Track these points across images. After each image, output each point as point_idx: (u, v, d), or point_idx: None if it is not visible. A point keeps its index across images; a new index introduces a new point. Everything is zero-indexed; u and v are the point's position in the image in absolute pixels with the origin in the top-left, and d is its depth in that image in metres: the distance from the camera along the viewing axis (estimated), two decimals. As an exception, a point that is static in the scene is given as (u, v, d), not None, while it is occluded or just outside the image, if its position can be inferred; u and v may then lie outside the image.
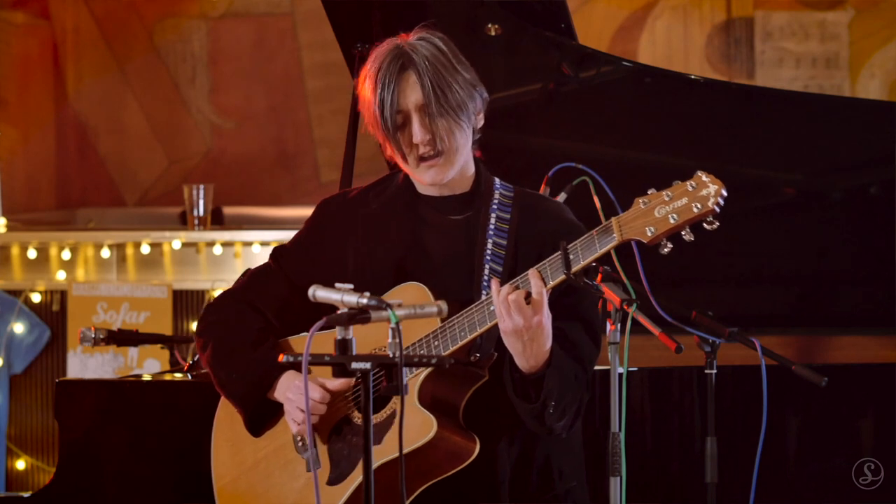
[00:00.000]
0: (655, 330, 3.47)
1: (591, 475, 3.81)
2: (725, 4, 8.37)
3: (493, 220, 3.41)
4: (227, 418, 3.56)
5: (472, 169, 3.47)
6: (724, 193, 3.07)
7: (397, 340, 2.83)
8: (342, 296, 2.90)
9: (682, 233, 3.12)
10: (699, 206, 3.08)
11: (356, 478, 3.33)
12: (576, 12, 7.30)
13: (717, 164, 4.84)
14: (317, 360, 2.87)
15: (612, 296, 3.23)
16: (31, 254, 6.88)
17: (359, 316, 2.86)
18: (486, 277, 3.36)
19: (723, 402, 4.09)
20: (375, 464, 3.26)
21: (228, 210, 7.80)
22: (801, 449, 4.31)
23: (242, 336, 3.48)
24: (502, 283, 3.27)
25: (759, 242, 4.84)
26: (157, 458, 4.11)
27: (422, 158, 3.38)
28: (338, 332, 2.87)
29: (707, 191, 3.08)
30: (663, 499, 4.20)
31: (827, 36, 8.31)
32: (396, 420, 3.29)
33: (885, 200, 4.78)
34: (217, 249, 6.76)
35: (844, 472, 4.22)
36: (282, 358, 2.95)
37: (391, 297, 3.31)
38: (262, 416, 3.48)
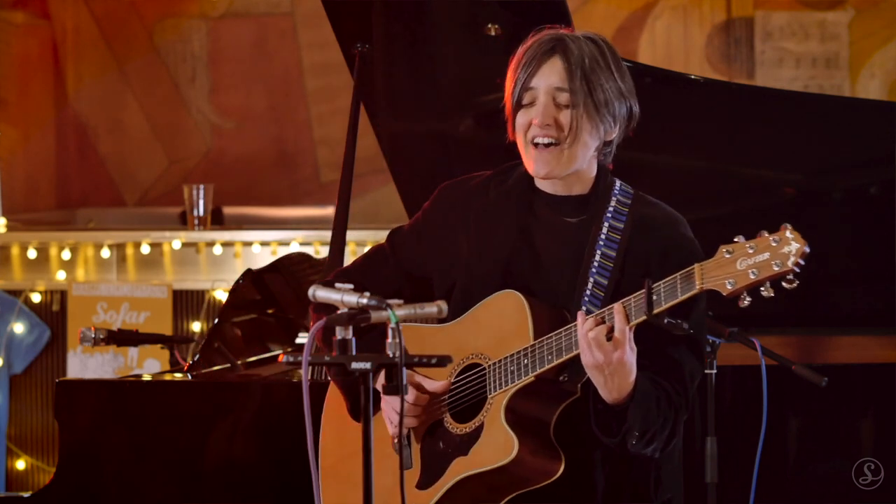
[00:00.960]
0: (655, 330, 3.46)
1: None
2: (725, 4, 8.37)
3: (605, 230, 3.31)
4: (336, 398, 3.50)
5: (593, 172, 3.37)
6: (807, 251, 2.98)
7: (397, 340, 2.82)
8: (342, 296, 2.90)
9: (762, 289, 3.04)
10: (779, 263, 3.00)
11: (445, 484, 3.28)
12: (576, 12, 7.30)
13: (717, 164, 4.85)
14: (317, 360, 2.87)
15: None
16: (31, 254, 6.88)
17: (359, 316, 2.85)
18: (588, 291, 3.28)
19: (723, 402, 4.09)
20: (459, 476, 3.25)
21: (228, 210, 7.80)
22: (801, 449, 4.31)
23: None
24: (605, 298, 3.22)
25: (759, 242, 4.84)
26: (157, 458, 4.11)
27: (534, 144, 3.28)
28: (337, 332, 2.86)
29: (788, 248, 3.01)
30: (663, 499, 4.20)
31: (827, 36, 8.32)
32: (483, 433, 3.27)
33: (885, 200, 4.78)
34: (217, 249, 6.76)
35: (844, 472, 4.22)
36: (282, 358, 2.94)
37: (490, 303, 3.27)
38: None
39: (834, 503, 4.23)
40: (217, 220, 7.44)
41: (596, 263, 3.29)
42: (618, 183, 3.40)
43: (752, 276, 3.03)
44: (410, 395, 3.30)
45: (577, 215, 3.36)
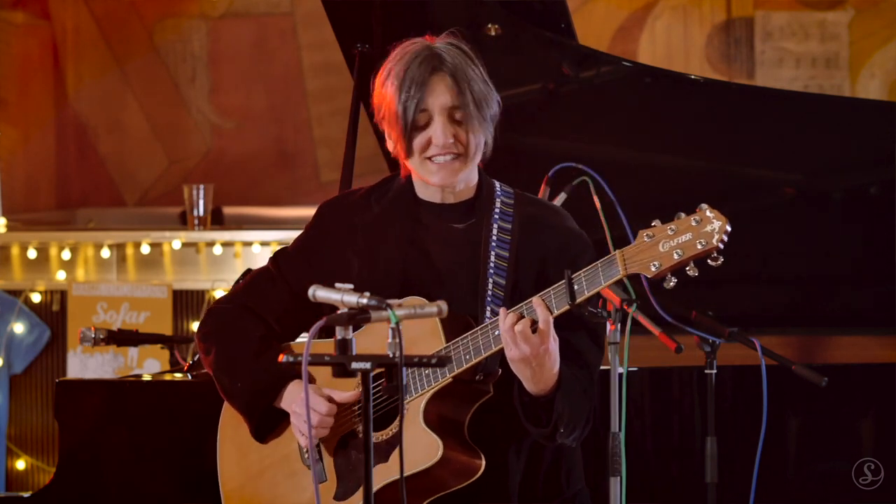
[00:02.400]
0: (655, 330, 3.47)
1: (592, 475, 3.82)
2: (725, 4, 8.37)
3: (494, 231, 3.37)
4: (232, 420, 3.54)
5: (475, 178, 3.43)
6: (728, 229, 3.05)
7: (397, 340, 2.82)
8: (342, 296, 2.90)
9: (686, 268, 3.09)
10: (703, 242, 3.06)
11: (361, 495, 3.30)
12: (576, 12, 7.30)
13: (717, 164, 4.85)
14: (316, 360, 2.87)
15: (611, 296, 3.23)
16: (31, 254, 6.88)
17: (359, 316, 2.85)
18: (489, 291, 3.33)
19: (723, 402, 4.10)
20: (380, 483, 3.26)
21: (228, 210, 7.80)
22: (801, 449, 4.31)
23: (245, 344, 3.45)
24: (504, 298, 3.27)
25: (759, 242, 4.84)
26: (158, 458, 4.11)
27: (431, 160, 3.33)
28: (337, 332, 2.86)
29: (711, 227, 3.06)
30: (663, 499, 4.20)
31: (827, 36, 8.32)
32: (398, 422, 3.28)
33: (885, 200, 4.78)
34: (217, 249, 6.76)
35: (844, 472, 4.22)
36: (282, 358, 2.94)
37: None
38: (268, 423, 3.45)
39: (834, 503, 4.23)
40: (217, 220, 7.44)
41: (492, 264, 3.34)
42: (497, 184, 3.45)
43: (676, 257, 3.08)
44: (322, 408, 3.31)
45: (465, 220, 3.41)
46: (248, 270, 4.85)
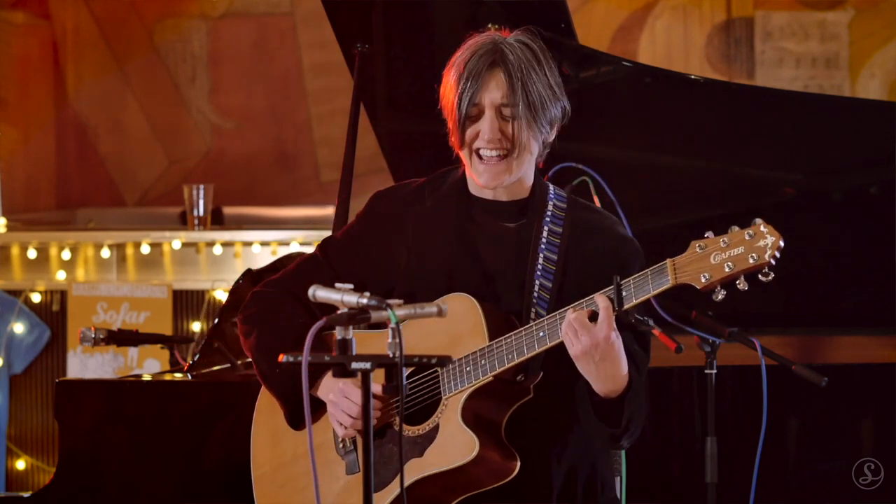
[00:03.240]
0: (655, 330, 3.47)
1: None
2: (725, 4, 8.37)
3: (545, 233, 3.36)
4: (268, 407, 3.52)
5: (531, 179, 3.41)
6: (782, 245, 3.05)
7: (397, 340, 2.82)
8: (342, 296, 2.90)
9: (737, 282, 3.08)
10: (756, 257, 3.06)
11: (396, 487, 3.29)
12: (576, 12, 7.30)
13: (717, 164, 4.85)
14: (317, 360, 2.87)
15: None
16: (31, 254, 6.88)
17: (359, 316, 2.85)
18: (535, 293, 3.32)
19: (723, 402, 4.10)
20: (414, 477, 3.25)
21: (228, 210, 7.79)
22: (801, 449, 4.31)
23: (286, 329, 3.43)
24: (550, 300, 3.26)
25: (759, 242, 4.83)
26: (158, 458, 4.11)
27: (480, 156, 3.33)
28: (337, 332, 2.86)
29: (764, 242, 3.07)
30: (663, 499, 4.20)
31: (827, 36, 8.32)
32: (439, 434, 3.28)
33: (885, 200, 4.78)
34: (217, 249, 6.76)
35: (844, 472, 4.22)
36: (282, 358, 2.94)
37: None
38: (303, 411, 3.44)
39: (834, 503, 4.23)
40: (217, 220, 7.44)
41: (540, 266, 3.34)
42: (551, 187, 3.45)
43: (727, 270, 3.07)
44: (361, 399, 3.31)
45: (516, 220, 3.40)
46: (249, 270, 4.86)
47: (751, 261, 3.06)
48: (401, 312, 2.84)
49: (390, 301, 2.85)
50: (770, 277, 3.09)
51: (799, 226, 4.92)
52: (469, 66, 3.32)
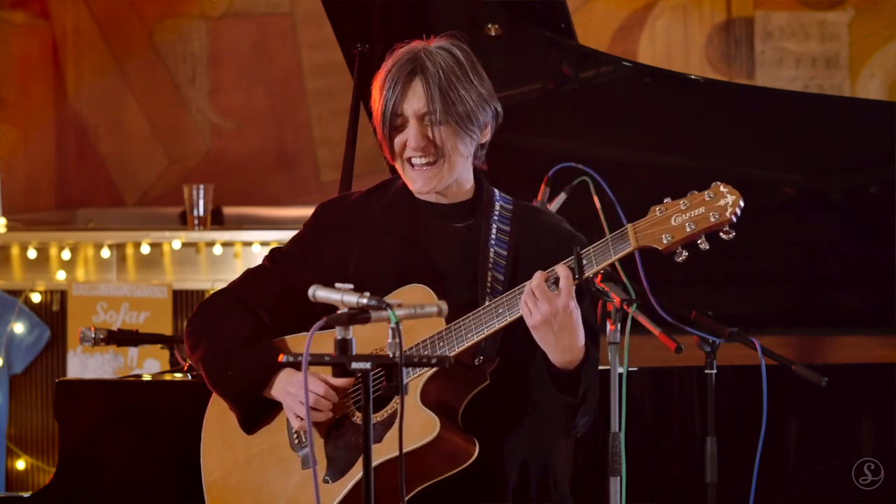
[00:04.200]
0: (655, 330, 3.47)
1: (591, 475, 3.82)
2: (725, 4, 8.37)
3: (493, 231, 3.42)
4: (217, 415, 3.56)
5: (471, 180, 3.47)
6: (742, 204, 3.10)
7: (397, 340, 2.83)
8: (342, 296, 2.90)
9: (698, 241, 3.12)
10: (717, 215, 3.11)
11: (353, 476, 3.32)
12: (576, 12, 7.30)
13: (717, 164, 4.85)
14: (317, 359, 2.87)
15: (612, 296, 3.24)
16: (31, 254, 6.88)
17: (359, 316, 2.86)
18: (489, 285, 3.36)
19: (723, 402, 4.09)
20: (374, 462, 3.25)
21: (228, 210, 7.80)
22: (801, 449, 4.31)
23: (237, 334, 3.48)
24: (502, 293, 3.28)
25: (759, 242, 4.84)
26: (158, 458, 4.11)
27: (411, 164, 3.39)
28: (337, 332, 2.87)
29: (725, 201, 3.12)
30: (663, 499, 4.20)
31: (827, 36, 8.32)
32: (397, 419, 3.29)
33: (885, 200, 4.78)
34: (217, 249, 6.76)
35: (844, 472, 4.22)
36: (282, 358, 2.95)
37: (395, 297, 3.30)
38: (257, 413, 3.48)
39: (834, 503, 4.23)
40: (217, 220, 7.44)
41: (491, 261, 3.38)
42: (496, 191, 3.50)
43: (688, 230, 3.12)
44: (319, 389, 3.34)
45: (464, 220, 3.45)
46: (248, 270, 4.86)
47: (712, 219, 3.11)
48: (401, 312, 2.84)
49: (390, 301, 2.85)
50: (731, 236, 3.13)
51: (799, 226, 4.93)
52: (389, 77, 3.38)
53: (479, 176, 3.49)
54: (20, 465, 6.84)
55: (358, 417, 3.36)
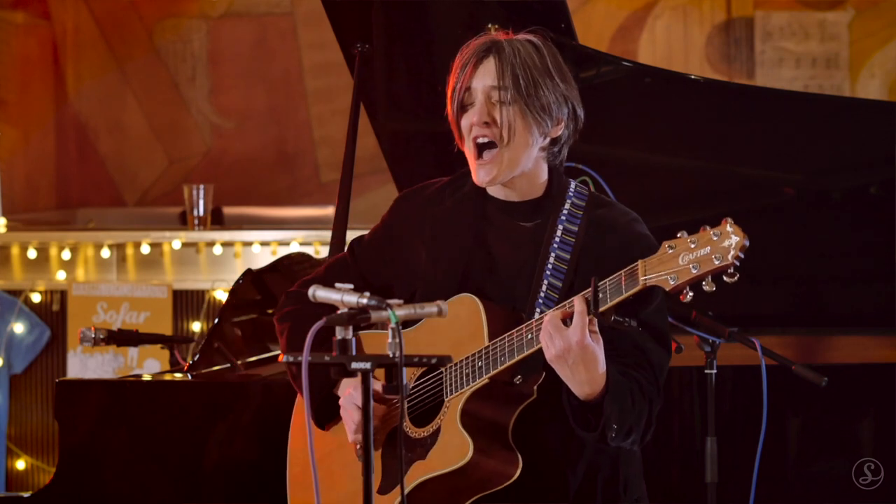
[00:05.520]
0: (655, 330, 3.46)
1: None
2: (725, 4, 8.37)
3: (559, 232, 3.32)
4: (303, 406, 3.53)
5: (543, 176, 3.38)
6: (747, 244, 2.99)
7: (397, 340, 2.82)
8: (342, 296, 2.90)
9: (703, 283, 3.04)
10: (719, 257, 3.00)
11: (405, 488, 3.29)
12: (576, 12, 7.30)
13: (717, 164, 4.85)
14: (317, 360, 2.87)
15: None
16: (31, 254, 6.88)
17: (359, 316, 2.85)
18: (542, 293, 3.28)
19: (723, 402, 4.10)
20: (419, 479, 3.25)
21: (228, 210, 7.80)
22: (801, 449, 4.31)
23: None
24: (559, 301, 3.22)
25: (759, 242, 4.83)
26: (158, 458, 4.11)
27: (477, 147, 3.30)
28: (337, 332, 2.86)
29: (728, 242, 3.02)
30: (663, 499, 4.20)
31: (827, 36, 8.32)
32: (440, 436, 3.28)
33: (885, 200, 4.78)
34: (217, 249, 6.76)
35: (844, 472, 4.22)
36: (281, 358, 2.94)
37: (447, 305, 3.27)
38: (328, 410, 3.44)
39: (834, 503, 4.23)
40: (217, 220, 7.44)
41: (550, 266, 3.30)
42: (573, 184, 3.41)
43: (693, 272, 3.03)
44: (362, 401, 3.30)
45: (532, 219, 3.37)
46: (249, 270, 4.86)
47: (715, 262, 3.01)
48: (401, 312, 2.84)
49: (390, 301, 2.85)
50: (735, 278, 3.04)
51: (799, 226, 4.93)
52: (463, 59, 3.33)
53: (553, 172, 3.40)
54: (20, 465, 6.84)
55: (412, 430, 3.33)
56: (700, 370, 3.79)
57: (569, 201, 3.36)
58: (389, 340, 2.83)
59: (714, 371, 3.70)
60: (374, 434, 3.32)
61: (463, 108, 3.32)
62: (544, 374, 3.25)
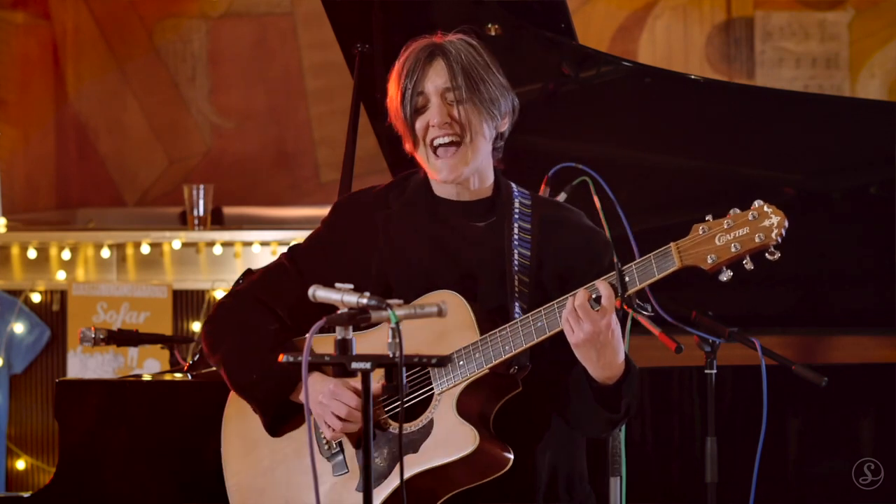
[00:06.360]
0: (655, 330, 3.47)
1: (592, 475, 3.82)
2: (725, 4, 8.37)
3: (516, 230, 3.39)
4: (236, 413, 3.53)
5: (491, 176, 3.45)
6: (787, 224, 3.09)
7: (397, 340, 2.82)
8: (342, 296, 2.90)
9: (743, 262, 3.12)
10: (762, 236, 3.10)
11: (389, 485, 3.30)
12: (576, 12, 7.30)
13: (717, 163, 4.85)
14: (317, 359, 2.87)
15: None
16: (31, 254, 6.88)
17: (359, 316, 2.85)
18: (516, 287, 3.34)
19: (723, 402, 4.10)
20: (412, 472, 3.26)
21: (228, 210, 7.79)
22: (801, 449, 4.31)
23: (259, 336, 3.44)
24: (528, 295, 3.28)
25: (759, 242, 4.84)
26: (158, 458, 4.11)
27: (435, 149, 3.35)
28: (337, 332, 2.87)
29: (770, 222, 3.12)
30: (663, 499, 4.20)
31: (827, 36, 8.32)
32: (434, 429, 3.28)
33: (885, 200, 4.78)
34: (217, 249, 6.76)
35: (844, 472, 4.22)
36: (282, 358, 2.94)
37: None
38: (282, 417, 3.45)
39: (834, 503, 4.23)
40: (217, 220, 7.44)
41: (516, 262, 3.36)
42: (514, 186, 3.48)
43: (734, 250, 3.12)
44: (352, 401, 3.31)
45: (485, 219, 3.43)
46: (249, 270, 4.85)
47: (757, 240, 3.11)
48: (401, 312, 2.84)
49: (390, 301, 2.85)
50: (776, 256, 3.13)
51: (799, 226, 4.92)
52: (408, 63, 3.38)
53: (497, 172, 3.48)
54: (20, 465, 6.84)
55: (392, 426, 3.34)
56: (700, 370, 3.79)
57: (517, 200, 3.45)
58: (389, 340, 2.83)
59: (714, 371, 3.70)
60: (350, 432, 3.34)
61: (417, 111, 3.36)
62: (529, 367, 3.30)
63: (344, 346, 2.86)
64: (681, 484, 4.25)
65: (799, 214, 4.89)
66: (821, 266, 4.95)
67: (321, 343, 3.42)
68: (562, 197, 4.27)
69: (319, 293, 2.94)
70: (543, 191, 4.24)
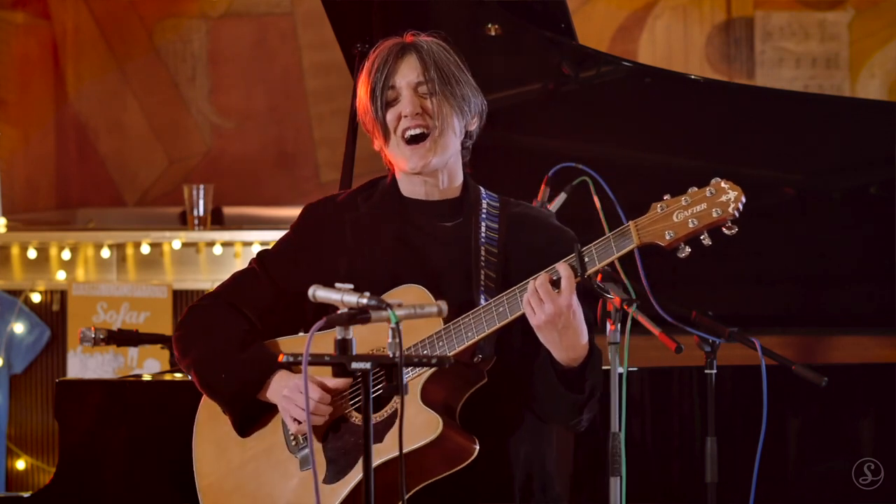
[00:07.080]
0: (655, 330, 3.47)
1: (591, 475, 3.82)
2: (725, 4, 8.37)
3: (483, 229, 3.42)
4: (209, 418, 3.55)
5: (460, 177, 3.48)
6: (744, 199, 3.12)
7: (397, 340, 2.82)
8: (342, 296, 2.90)
9: (701, 237, 3.14)
10: (719, 211, 3.13)
11: (354, 477, 3.32)
12: (576, 12, 7.30)
13: (717, 163, 4.85)
14: (317, 359, 2.87)
15: (612, 294, 3.24)
16: (31, 254, 6.88)
17: (359, 316, 2.86)
18: (482, 283, 3.36)
19: (723, 402, 4.10)
20: (375, 462, 3.26)
21: (228, 210, 7.80)
22: (801, 449, 4.31)
23: (228, 338, 3.46)
24: (495, 291, 3.30)
25: (759, 242, 4.85)
26: (158, 457, 4.11)
27: (406, 140, 3.38)
28: (337, 332, 2.87)
29: (727, 196, 3.15)
30: (663, 499, 4.20)
31: (827, 36, 8.32)
32: (397, 419, 3.28)
33: (885, 200, 4.79)
34: (217, 249, 6.76)
35: (844, 472, 4.22)
36: (282, 358, 2.94)
37: (390, 298, 3.29)
38: (251, 416, 3.47)
39: (834, 503, 4.23)
40: (217, 220, 7.44)
41: (483, 259, 3.39)
42: (482, 189, 3.51)
43: (691, 226, 3.15)
44: (315, 393, 3.33)
45: (452, 219, 3.46)
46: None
47: (714, 215, 3.14)
48: (401, 312, 2.84)
49: (390, 301, 2.85)
50: (734, 231, 3.15)
51: (799, 226, 4.93)
52: (378, 61, 3.43)
53: (465, 174, 3.51)
54: (20, 465, 6.84)
55: (357, 418, 3.36)
56: (700, 370, 3.79)
57: (484, 202, 3.48)
58: (389, 340, 2.84)
59: (714, 371, 3.71)
60: (315, 425, 3.34)
61: (387, 105, 3.40)
62: (495, 358, 3.33)
63: (344, 346, 2.86)
64: (681, 484, 4.25)
65: (799, 214, 4.92)
66: (821, 266, 4.96)
67: (294, 344, 3.44)
68: (562, 197, 4.28)
69: (319, 293, 2.94)
70: (543, 191, 4.25)
